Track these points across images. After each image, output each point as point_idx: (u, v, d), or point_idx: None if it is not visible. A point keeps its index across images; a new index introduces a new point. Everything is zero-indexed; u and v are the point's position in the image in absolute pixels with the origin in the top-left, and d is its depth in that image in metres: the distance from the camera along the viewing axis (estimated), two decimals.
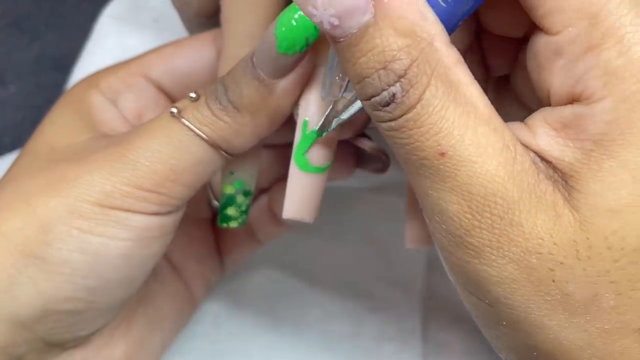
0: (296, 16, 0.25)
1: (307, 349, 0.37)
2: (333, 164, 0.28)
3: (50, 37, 0.50)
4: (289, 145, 0.28)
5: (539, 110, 0.23)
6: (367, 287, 0.39)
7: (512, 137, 0.21)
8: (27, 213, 0.27)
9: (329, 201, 0.28)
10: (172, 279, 0.34)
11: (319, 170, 0.27)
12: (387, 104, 0.21)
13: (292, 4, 0.26)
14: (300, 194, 0.27)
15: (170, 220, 0.28)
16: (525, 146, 0.22)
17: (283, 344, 0.38)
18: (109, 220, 0.27)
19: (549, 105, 0.23)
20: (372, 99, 0.21)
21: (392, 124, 0.21)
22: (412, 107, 0.21)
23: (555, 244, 0.21)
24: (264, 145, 0.33)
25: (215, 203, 0.34)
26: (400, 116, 0.21)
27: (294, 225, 0.36)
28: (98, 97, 0.31)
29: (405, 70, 0.21)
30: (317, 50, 0.27)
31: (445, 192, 0.21)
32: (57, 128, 0.30)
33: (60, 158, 0.28)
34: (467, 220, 0.21)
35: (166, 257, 0.34)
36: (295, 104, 0.27)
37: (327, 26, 0.21)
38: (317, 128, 0.27)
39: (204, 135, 0.27)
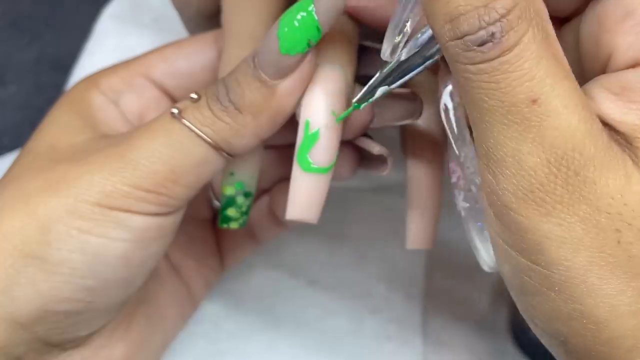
0: (299, 17, 0.25)
1: (307, 349, 0.37)
2: (335, 165, 0.28)
3: (50, 37, 0.50)
4: (290, 146, 0.27)
5: (593, 79, 0.23)
6: (367, 287, 0.39)
7: (584, 97, 0.22)
8: (27, 213, 0.27)
9: (329, 201, 0.28)
10: (172, 279, 0.34)
11: (321, 170, 0.27)
12: (483, 44, 0.21)
13: (295, 5, 0.26)
14: (303, 195, 0.27)
15: (170, 222, 0.28)
16: None
17: (283, 344, 0.38)
18: (108, 220, 0.26)
19: (602, 74, 0.23)
20: (466, 37, 0.21)
21: (484, 65, 0.21)
22: (511, 49, 0.21)
23: (625, 204, 0.21)
24: (265, 146, 0.33)
25: (217, 203, 0.34)
26: (495, 58, 0.21)
27: (295, 226, 0.36)
28: (99, 97, 0.31)
29: (508, 10, 0.21)
30: (320, 50, 0.27)
31: (527, 143, 0.21)
32: (57, 128, 0.30)
33: (61, 158, 0.28)
34: (543, 174, 0.21)
35: (166, 257, 0.34)
36: (298, 104, 0.27)
37: None
38: (355, 99, 0.26)
39: (204, 136, 0.27)
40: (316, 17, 0.25)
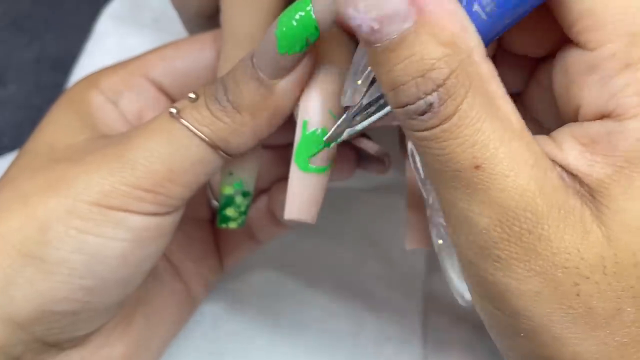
0: (297, 16, 0.25)
1: (307, 349, 0.37)
2: (334, 165, 0.28)
3: (50, 37, 0.50)
4: (289, 145, 0.28)
5: (565, 125, 0.23)
6: (367, 287, 0.39)
7: (542, 152, 0.22)
8: (26, 213, 0.27)
9: (329, 201, 0.28)
10: (171, 279, 0.34)
11: (319, 170, 0.27)
12: (423, 113, 0.21)
13: (294, 4, 0.26)
14: (301, 195, 0.27)
15: (168, 221, 0.28)
16: (552, 160, 0.22)
17: (283, 344, 0.38)
18: (107, 220, 0.26)
19: (574, 121, 0.23)
20: (407, 107, 0.21)
21: (427, 133, 0.21)
22: (449, 117, 0.21)
23: (582, 258, 0.21)
24: (263, 145, 0.33)
25: (215, 203, 0.34)
26: (436, 126, 0.21)
27: (294, 226, 0.36)
28: (98, 97, 0.31)
29: (444, 80, 0.21)
30: (318, 51, 0.27)
31: (477, 205, 0.21)
32: (56, 128, 0.30)
33: (59, 158, 0.28)
34: (496, 233, 0.21)
35: (166, 257, 0.34)
36: (296, 104, 0.27)
37: (365, 30, 0.21)
38: (325, 138, 0.26)
39: (202, 136, 0.27)
40: (314, 16, 0.25)
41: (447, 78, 0.21)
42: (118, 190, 0.26)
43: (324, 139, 0.26)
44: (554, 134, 0.23)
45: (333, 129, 0.26)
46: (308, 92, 0.27)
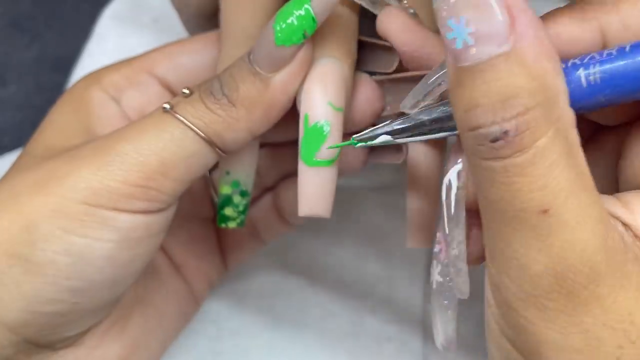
0: (296, 13, 0.25)
1: (307, 349, 0.37)
2: (343, 157, 0.28)
3: (50, 37, 0.50)
4: (293, 143, 0.27)
5: (636, 191, 0.22)
6: (367, 287, 0.39)
7: (606, 211, 0.21)
8: (14, 212, 0.26)
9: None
10: (172, 277, 0.34)
11: (325, 163, 0.27)
12: (495, 140, 0.20)
13: (291, 1, 0.26)
14: (311, 190, 0.27)
15: (158, 220, 0.28)
16: (620, 221, 0.22)
17: (283, 343, 0.38)
18: (93, 220, 0.26)
19: (638, 188, 0.23)
20: (479, 130, 0.20)
21: (496, 164, 0.20)
22: (523, 151, 0.20)
23: (632, 322, 0.21)
24: (267, 143, 0.33)
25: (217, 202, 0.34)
26: (507, 157, 0.20)
27: (299, 224, 0.36)
28: (99, 95, 0.31)
29: (526, 110, 0.20)
30: (316, 44, 0.27)
31: (534, 250, 0.20)
32: (54, 129, 0.30)
33: (53, 157, 0.28)
34: (548, 282, 0.21)
35: (167, 256, 0.34)
36: (294, 99, 0.27)
37: (459, 45, 0.20)
38: (356, 136, 0.26)
39: (196, 129, 0.26)
40: (313, 12, 0.25)
41: (530, 110, 0.20)
42: (107, 186, 0.26)
43: (354, 136, 0.26)
44: (621, 195, 0.22)
45: (369, 130, 0.26)
46: (307, 86, 0.27)
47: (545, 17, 0.23)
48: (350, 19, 0.28)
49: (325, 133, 0.26)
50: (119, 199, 0.26)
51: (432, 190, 0.30)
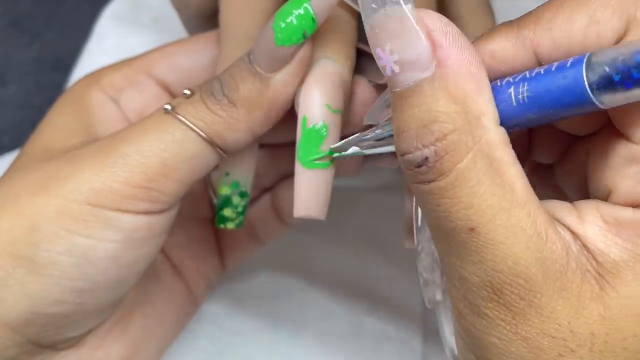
0: (296, 12, 0.25)
1: (307, 349, 0.37)
2: (341, 160, 0.28)
3: (50, 37, 0.50)
4: (291, 144, 0.27)
5: (592, 200, 0.23)
6: (367, 287, 0.39)
7: (545, 222, 0.21)
8: (16, 213, 0.26)
9: (330, 200, 0.28)
10: (172, 279, 0.34)
11: (322, 166, 0.27)
12: (419, 166, 0.21)
13: (290, 0, 0.26)
14: (307, 192, 0.27)
15: (161, 221, 0.28)
16: (570, 230, 0.22)
17: (283, 344, 0.38)
18: (97, 221, 0.26)
19: (602, 199, 0.23)
20: (405, 156, 0.21)
21: (423, 187, 0.21)
22: (445, 174, 0.21)
23: (571, 331, 0.21)
24: (266, 144, 0.33)
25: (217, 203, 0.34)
26: (432, 181, 0.21)
27: (298, 224, 0.36)
28: (98, 95, 0.31)
29: (445, 135, 0.20)
30: (315, 47, 0.27)
31: (468, 264, 0.21)
32: (53, 129, 0.30)
33: (53, 158, 0.28)
34: (486, 294, 0.21)
35: (166, 256, 0.34)
36: (293, 99, 0.27)
37: (388, 72, 0.21)
38: (333, 146, 0.26)
39: (197, 130, 0.27)
40: (312, 12, 0.25)
41: (449, 134, 0.20)
42: (109, 187, 0.26)
43: (332, 147, 0.26)
44: (578, 203, 0.23)
45: (343, 141, 0.26)
46: (305, 87, 0.27)
47: (482, 36, 0.24)
48: (349, 23, 0.28)
49: (322, 135, 0.26)
50: (121, 200, 0.26)
51: None
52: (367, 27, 0.22)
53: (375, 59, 0.21)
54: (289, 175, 0.34)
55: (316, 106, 0.26)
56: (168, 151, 0.26)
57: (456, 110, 0.21)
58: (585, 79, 0.20)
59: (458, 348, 0.24)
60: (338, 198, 0.39)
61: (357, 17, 0.29)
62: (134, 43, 0.45)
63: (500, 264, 0.21)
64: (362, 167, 0.32)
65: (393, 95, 0.22)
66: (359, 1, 0.22)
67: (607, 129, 0.23)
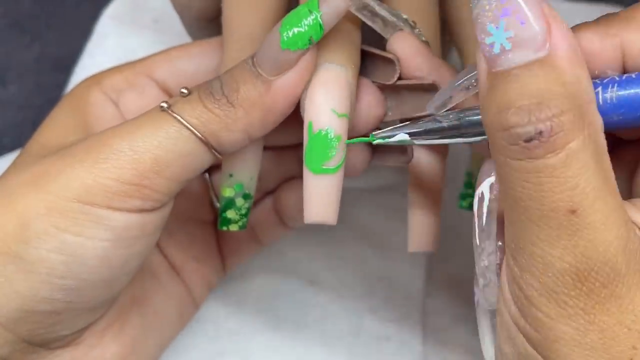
0: (305, 21, 0.26)
1: (307, 349, 0.38)
2: (347, 160, 0.28)
3: (50, 37, 0.50)
4: (294, 146, 0.27)
5: None
6: (367, 287, 0.39)
7: (628, 216, 0.22)
8: (8, 209, 0.26)
9: None
10: (171, 279, 0.34)
11: (330, 171, 0.27)
12: (529, 140, 0.21)
13: (301, 6, 0.26)
14: (316, 197, 0.27)
15: (153, 219, 0.27)
16: (637, 225, 0.22)
17: (283, 344, 0.38)
18: (87, 219, 0.26)
19: None
20: (513, 130, 0.21)
21: (527, 164, 0.21)
22: (556, 152, 0.20)
23: None
24: (268, 146, 0.33)
25: (219, 205, 0.34)
26: (540, 157, 0.21)
27: (297, 227, 0.36)
28: (98, 96, 0.31)
29: (562, 111, 0.20)
30: (320, 51, 0.27)
31: (559, 248, 0.21)
32: (50, 128, 0.30)
33: (48, 154, 0.28)
34: (570, 280, 0.21)
35: (166, 258, 0.34)
36: (295, 104, 0.27)
37: (497, 49, 0.21)
38: (376, 132, 0.26)
39: (192, 128, 0.26)
40: (321, 20, 0.26)
41: (565, 112, 0.20)
42: (100, 184, 0.26)
43: (374, 133, 0.26)
44: (636, 201, 0.23)
45: (389, 129, 0.26)
46: (310, 92, 0.27)
47: (571, 29, 0.23)
48: (353, 26, 0.28)
49: (329, 140, 0.26)
50: (113, 197, 0.26)
51: (434, 194, 0.30)
52: (476, 12, 0.21)
53: (481, 37, 0.21)
54: (291, 177, 0.34)
55: (322, 111, 0.26)
56: (161, 148, 0.26)
57: (570, 92, 0.21)
58: None
59: (500, 334, 0.24)
60: None
61: (361, 21, 0.29)
62: (134, 43, 0.45)
63: (592, 250, 0.21)
64: (367, 166, 0.31)
65: (492, 75, 0.21)
66: None
67: None
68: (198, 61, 0.32)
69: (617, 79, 0.23)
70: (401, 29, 0.29)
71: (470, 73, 0.25)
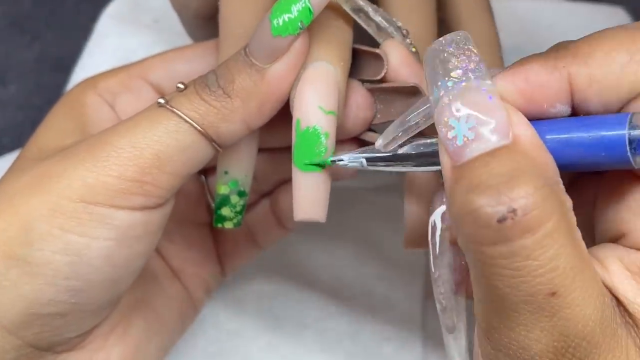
0: (294, 7, 0.26)
1: (307, 349, 0.38)
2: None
3: (50, 37, 0.50)
4: (290, 148, 0.27)
5: (607, 247, 0.23)
6: (367, 287, 0.39)
7: (601, 281, 0.21)
8: (10, 213, 0.26)
9: (330, 201, 0.28)
10: (171, 283, 0.34)
11: (318, 168, 0.27)
12: (503, 219, 0.19)
13: None
14: (305, 195, 0.27)
15: (155, 217, 0.27)
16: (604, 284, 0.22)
17: (283, 344, 0.38)
18: (91, 218, 0.26)
19: (611, 241, 0.23)
20: (484, 209, 0.20)
21: (502, 248, 0.20)
22: (533, 231, 0.20)
23: None
24: (265, 148, 0.33)
25: (214, 206, 0.34)
26: (515, 239, 0.20)
27: (297, 228, 0.36)
28: (94, 98, 0.31)
29: (535, 188, 0.20)
30: (310, 50, 0.27)
31: (536, 332, 0.20)
32: (48, 131, 0.30)
33: (46, 157, 0.28)
34: None
35: (165, 261, 0.34)
36: (288, 93, 0.27)
37: (460, 141, 0.21)
38: (331, 158, 0.26)
39: (191, 121, 0.26)
40: (311, 5, 0.26)
41: (539, 189, 0.20)
42: (103, 182, 0.26)
43: (331, 158, 0.26)
44: (595, 251, 0.22)
45: (346, 154, 0.26)
46: (298, 90, 0.27)
47: (518, 62, 0.24)
48: (344, 24, 0.28)
49: (317, 137, 0.26)
50: (115, 195, 0.26)
51: (429, 194, 0.30)
52: (434, 96, 0.22)
53: (443, 131, 0.21)
54: (288, 179, 0.34)
55: (309, 108, 0.26)
56: (161, 143, 0.26)
57: (541, 172, 0.20)
58: (627, 139, 0.21)
59: None
60: (337, 198, 0.39)
61: (353, 19, 0.29)
62: (134, 43, 0.45)
63: (570, 328, 0.20)
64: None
65: (458, 168, 0.21)
66: (425, 72, 0.23)
67: (627, 174, 0.23)
68: (193, 64, 0.32)
69: (563, 123, 0.22)
70: (392, 37, 0.29)
71: (421, 108, 0.25)
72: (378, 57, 0.29)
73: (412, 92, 0.28)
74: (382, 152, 0.26)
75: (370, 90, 0.29)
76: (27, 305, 0.26)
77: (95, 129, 0.30)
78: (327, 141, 0.26)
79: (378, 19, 0.29)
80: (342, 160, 0.27)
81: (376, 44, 0.30)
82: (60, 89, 0.46)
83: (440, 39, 0.23)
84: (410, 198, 0.30)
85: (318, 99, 0.26)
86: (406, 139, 0.25)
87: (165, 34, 0.45)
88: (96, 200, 0.26)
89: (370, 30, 0.29)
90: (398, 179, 0.41)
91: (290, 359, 0.37)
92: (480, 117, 0.21)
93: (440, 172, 0.25)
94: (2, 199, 0.27)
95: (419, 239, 0.30)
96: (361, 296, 0.39)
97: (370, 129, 0.30)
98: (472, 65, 0.22)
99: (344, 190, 0.40)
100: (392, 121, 0.29)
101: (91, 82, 0.32)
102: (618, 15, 0.48)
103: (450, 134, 0.21)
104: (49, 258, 0.26)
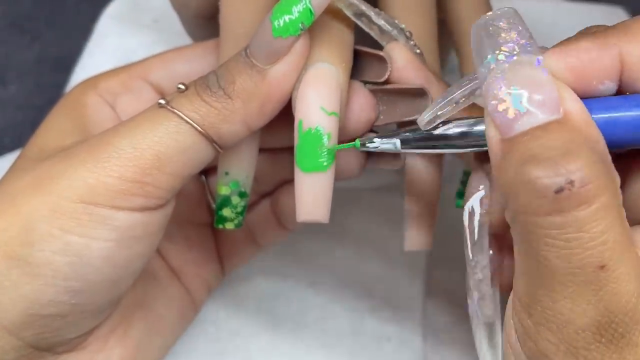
0: (295, 9, 0.26)
1: (307, 349, 0.38)
2: (342, 162, 0.28)
3: (50, 37, 0.50)
4: (291, 148, 0.27)
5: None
6: (367, 287, 0.39)
7: None
8: (11, 213, 0.26)
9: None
10: (171, 283, 0.34)
11: (321, 169, 0.27)
12: (560, 190, 0.20)
13: None
14: (308, 196, 0.27)
15: (156, 218, 0.27)
16: None
17: (283, 344, 0.38)
18: (91, 219, 0.26)
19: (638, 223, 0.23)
20: (541, 180, 0.20)
21: (555, 219, 0.20)
22: (588, 203, 0.20)
23: None
24: (266, 149, 0.33)
25: (215, 206, 0.34)
26: (570, 210, 0.20)
27: (296, 228, 0.36)
28: (94, 99, 0.31)
29: (593, 162, 0.20)
30: (311, 51, 0.27)
31: (582, 304, 0.21)
32: (48, 131, 0.30)
33: (47, 157, 0.28)
34: (591, 334, 0.21)
35: (165, 261, 0.34)
36: (289, 94, 0.27)
37: (511, 115, 0.21)
38: (361, 140, 0.26)
39: (191, 122, 0.26)
40: (311, 7, 0.26)
41: (595, 163, 0.20)
42: (103, 183, 0.26)
43: (360, 139, 0.26)
44: (636, 233, 0.23)
45: (375, 135, 0.26)
46: (300, 91, 0.27)
47: (566, 40, 0.24)
48: (345, 26, 0.28)
49: (319, 138, 0.26)
50: (116, 196, 0.26)
51: (429, 194, 0.30)
52: (483, 69, 0.22)
53: (493, 104, 0.21)
54: (289, 180, 0.34)
55: (311, 109, 0.26)
56: (162, 143, 0.26)
57: (594, 147, 0.21)
58: None
59: None
60: (338, 198, 0.39)
61: (353, 22, 0.29)
62: (134, 43, 0.45)
63: (615, 303, 0.21)
64: (362, 169, 0.31)
65: (507, 141, 0.21)
66: (473, 46, 0.23)
67: None
68: (193, 64, 0.32)
69: (610, 101, 0.23)
70: (396, 39, 0.29)
71: (460, 86, 0.25)
72: (381, 59, 0.29)
73: (418, 94, 0.28)
74: (416, 134, 0.26)
75: (373, 92, 0.29)
76: (27, 306, 0.26)
77: (96, 129, 0.30)
78: (329, 142, 0.26)
79: (381, 22, 0.29)
80: (373, 142, 0.26)
81: (379, 47, 0.29)
82: (60, 89, 0.46)
83: (489, 13, 0.23)
84: (410, 198, 0.31)
85: (320, 100, 0.26)
86: (450, 115, 0.25)
87: (165, 34, 0.45)
88: (96, 201, 0.26)
89: (373, 34, 0.29)
90: (398, 179, 0.41)
91: (291, 358, 0.37)
92: (531, 91, 0.21)
93: (474, 154, 0.25)
94: (4, 199, 0.27)
95: (420, 239, 0.30)
96: (361, 296, 0.39)
97: (372, 130, 0.30)
98: (523, 40, 0.22)
99: (345, 190, 0.40)
100: (395, 123, 0.29)
101: (92, 82, 0.32)
102: (617, 15, 0.48)
103: (500, 107, 0.21)
104: (50, 258, 0.26)
